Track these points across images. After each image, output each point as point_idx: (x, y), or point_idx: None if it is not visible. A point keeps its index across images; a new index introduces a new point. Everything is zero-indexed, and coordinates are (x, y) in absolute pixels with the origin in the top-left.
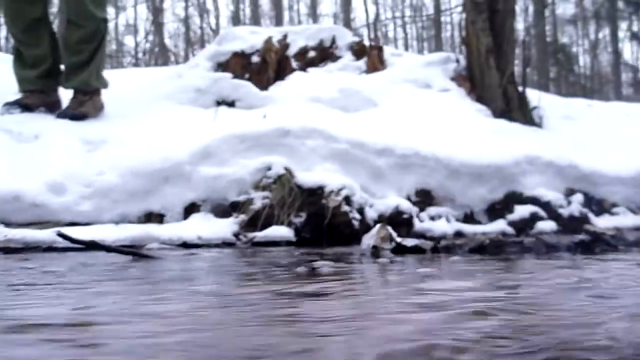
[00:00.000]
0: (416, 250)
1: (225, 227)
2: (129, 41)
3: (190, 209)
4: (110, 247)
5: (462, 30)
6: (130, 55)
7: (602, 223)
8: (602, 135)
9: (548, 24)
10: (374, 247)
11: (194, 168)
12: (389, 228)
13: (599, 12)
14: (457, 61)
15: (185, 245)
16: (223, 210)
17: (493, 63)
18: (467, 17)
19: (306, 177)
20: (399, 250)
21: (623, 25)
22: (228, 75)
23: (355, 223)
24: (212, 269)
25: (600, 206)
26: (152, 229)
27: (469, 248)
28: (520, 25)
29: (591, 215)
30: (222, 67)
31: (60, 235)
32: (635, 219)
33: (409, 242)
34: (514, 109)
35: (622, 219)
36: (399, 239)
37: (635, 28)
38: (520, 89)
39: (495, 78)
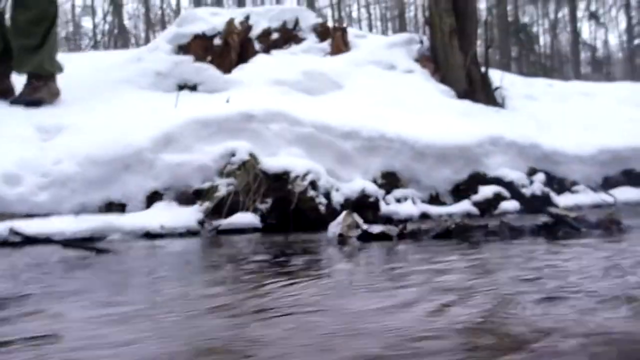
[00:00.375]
0: (382, 237)
1: (190, 216)
2: (86, 23)
3: (153, 198)
4: (66, 242)
5: (426, 10)
6: (88, 38)
7: (563, 201)
8: (562, 115)
9: (509, 3)
10: (340, 235)
11: (156, 155)
12: (355, 215)
13: None
14: (421, 42)
15: (149, 235)
16: (187, 198)
17: (456, 44)
18: None
19: (271, 162)
20: (365, 237)
21: (581, 5)
22: (189, 58)
23: (322, 208)
24: (169, 268)
25: (561, 185)
26: (114, 219)
27: (435, 233)
28: (482, 5)
29: (553, 194)
30: (183, 49)
31: (13, 231)
32: (594, 196)
33: (375, 228)
34: (477, 89)
35: (582, 197)
36: (365, 226)
37: (593, 7)
38: (483, 69)
39: (459, 59)
